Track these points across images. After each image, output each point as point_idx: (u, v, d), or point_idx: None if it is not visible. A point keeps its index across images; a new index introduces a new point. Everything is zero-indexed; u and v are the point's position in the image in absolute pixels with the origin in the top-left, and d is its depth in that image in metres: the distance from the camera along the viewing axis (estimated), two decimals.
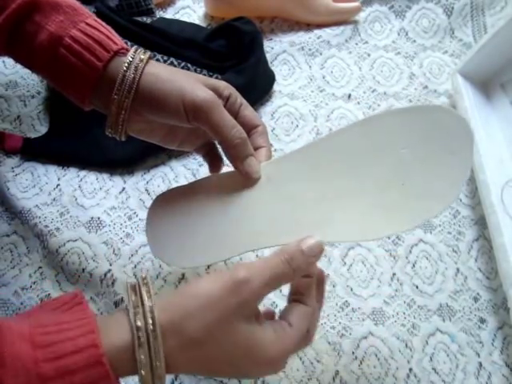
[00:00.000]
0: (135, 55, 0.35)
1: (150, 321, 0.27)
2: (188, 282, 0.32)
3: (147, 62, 0.36)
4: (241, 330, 0.29)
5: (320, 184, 0.34)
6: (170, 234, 0.37)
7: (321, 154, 0.35)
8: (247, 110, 0.38)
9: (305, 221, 0.34)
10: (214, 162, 0.42)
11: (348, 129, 0.34)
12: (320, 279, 0.35)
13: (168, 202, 0.39)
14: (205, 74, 0.54)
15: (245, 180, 0.36)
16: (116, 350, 0.27)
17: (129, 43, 0.53)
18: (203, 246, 0.36)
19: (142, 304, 0.28)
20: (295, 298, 0.33)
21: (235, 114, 0.37)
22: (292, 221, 0.34)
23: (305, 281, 0.33)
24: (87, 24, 0.35)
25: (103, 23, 0.37)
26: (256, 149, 0.37)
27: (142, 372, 0.27)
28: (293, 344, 0.31)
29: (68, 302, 0.30)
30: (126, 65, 0.35)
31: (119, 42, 0.36)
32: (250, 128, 0.38)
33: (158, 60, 0.53)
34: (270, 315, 0.35)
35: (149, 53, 0.37)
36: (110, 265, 0.48)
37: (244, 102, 0.38)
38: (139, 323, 0.27)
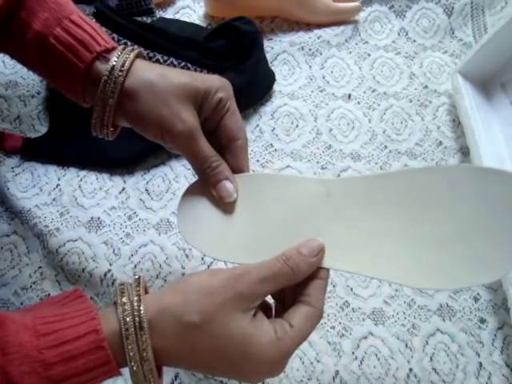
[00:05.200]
0: (117, 62, 0.34)
1: (138, 318, 0.28)
2: (189, 274, 0.33)
3: (129, 70, 0.34)
4: (237, 324, 0.29)
5: (378, 218, 0.33)
6: (203, 219, 0.36)
7: (389, 187, 0.33)
8: (231, 118, 0.36)
9: (353, 247, 0.33)
10: None
11: (424, 170, 0.33)
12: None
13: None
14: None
15: (304, 189, 0.34)
16: (112, 337, 0.28)
17: (128, 43, 0.53)
18: (237, 244, 0.35)
19: (131, 301, 0.29)
20: (302, 299, 0.32)
21: (219, 119, 0.36)
22: (339, 243, 0.33)
23: (315, 282, 0.32)
24: (71, 21, 0.34)
25: (88, 20, 0.35)
26: (233, 166, 0.36)
27: (134, 366, 0.28)
28: (292, 346, 0.30)
29: (68, 296, 0.31)
30: (106, 76, 0.33)
31: (103, 41, 0.35)
32: (228, 139, 0.36)
33: (157, 60, 0.53)
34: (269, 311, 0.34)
35: (134, 54, 0.35)
36: (110, 265, 0.48)
37: (232, 108, 0.36)
38: (128, 319, 0.28)
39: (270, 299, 0.34)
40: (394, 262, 0.32)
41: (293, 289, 0.33)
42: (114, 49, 0.35)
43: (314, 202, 0.34)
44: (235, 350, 0.29)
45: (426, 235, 0.32)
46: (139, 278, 0.31)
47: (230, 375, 0.32)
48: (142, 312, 0.28)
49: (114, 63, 0.34)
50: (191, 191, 0.37)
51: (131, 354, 0.28)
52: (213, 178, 0.35)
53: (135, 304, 0.29)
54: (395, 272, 0.32)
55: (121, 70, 0.34)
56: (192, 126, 0.34)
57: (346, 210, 0.34)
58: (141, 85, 0.34)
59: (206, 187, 0.36)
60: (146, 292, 0.31)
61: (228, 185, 0.35)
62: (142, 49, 0.37)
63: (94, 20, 0.52)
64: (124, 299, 0.29)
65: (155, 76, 0.34)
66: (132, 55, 0.35)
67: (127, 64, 0.34)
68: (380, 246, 0.33)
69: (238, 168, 0.36)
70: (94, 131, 0.36)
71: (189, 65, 0.54)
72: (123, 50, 0.35)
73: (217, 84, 0.35)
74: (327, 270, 0.33)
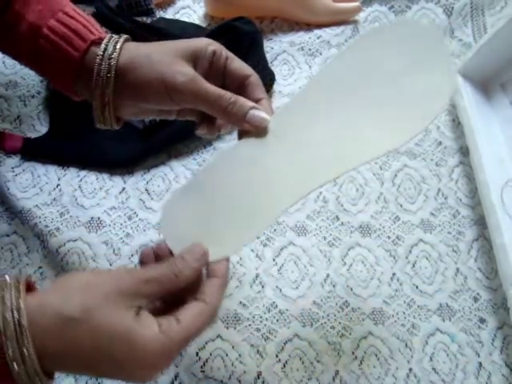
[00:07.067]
0: (108, 45, 0.35)
1: (17, 315, 0.27)
2: (71, 273, 0.32)
3: (121, 48, 0.35)
4: (119, 318, 0.28)
5: (323, 123, 0.35)
6: (185, 226, 0.35)
7: (313, 96, 0.36)
8: (234, 62, 0.37)
9: (320, 162, 0.35)
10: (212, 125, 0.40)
11: (330, 65, 0.36)
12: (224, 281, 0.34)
13: (183, 194, 0.37)
14: None
15: (253, 146, 0.35)
16: None
17: None
18: (222, 232, 0.35)
19: (10, 297, 0.28)
20: (195, 296, 0.32)
21: (222, 70, 0.37)
22: (309, 167, 0.35)
23: (210, 281, 0.32)
24: (65, 13, 0.35)
25: (81, 12, 0.36)
26: (255, 101, 0.36)
27: (14, 365, 0.26)
28: (178, 340, 0.29)
29: None
30: (100, 57, 0.34)
31: (97, 31, 0.36)
32: (241, 80, 0.37)
33: None
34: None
35: (124, 37, 0.36)
36: (110, 265, 0.48)
37: (230, 54, 0.37)
38: (7, 315, 0.27)
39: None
40: (362, 143, 0.35)
41: (187, 292, 0.32)
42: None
43: (271, 150, 0.35)
44: (118, 344, 0.28)
45: (371, 108, 0.35)
46: (19, 275, 0.30)
47: (117, 375, 0.30)
48: (21, 308, 0.27)
49: (106, 46, 0.35)
50: (170, 207, 0.36)
51: (10, 351, 0.26)
52: (239, 112, 0.35)
53: (14, 301, 0.27)
54: (367, 150, 0.34)
55: (114, 50, 0.34)
56: (192, 74, 0.35)
57: (297, 136, 0.35)
58: (135, 57, 0.35)
59: (236, 124, 0.36)
60: (32, 290, 0.30)
61: (256, 112, 0.35)
62: (129, 36, 0.37)
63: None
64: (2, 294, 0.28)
65: (147, 48, 0.36)
66: (122, 39, 0.36)
67: (119, 45, 0.35)
68: (342, 143, 0.35)
69: (258, 100, 0.36)
70: (97, 122, 0.36)
71: None
72: (109, 39, 0.36)
73: (204, 41, 0.37)
74: (225, 267, 0.33)
